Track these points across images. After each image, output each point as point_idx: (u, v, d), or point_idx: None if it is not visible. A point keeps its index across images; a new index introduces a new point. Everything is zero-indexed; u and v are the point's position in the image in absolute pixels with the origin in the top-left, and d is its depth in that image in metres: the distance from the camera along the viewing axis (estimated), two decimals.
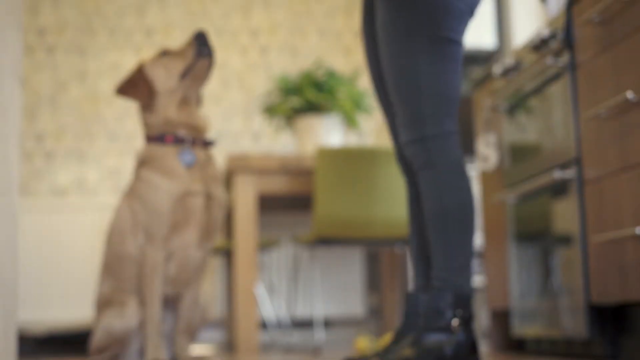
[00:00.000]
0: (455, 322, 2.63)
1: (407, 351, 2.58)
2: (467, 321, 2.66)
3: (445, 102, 2.68)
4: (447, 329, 2.63)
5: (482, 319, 6.13)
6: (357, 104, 5.40)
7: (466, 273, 2.69)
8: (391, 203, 4.70)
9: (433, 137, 2.68)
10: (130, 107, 6.74)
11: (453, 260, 2.68)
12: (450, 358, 2.60)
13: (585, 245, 3.23)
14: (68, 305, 6.40)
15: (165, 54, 3.21)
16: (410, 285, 5.69)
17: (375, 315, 6.44)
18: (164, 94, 3.12)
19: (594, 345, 3.29)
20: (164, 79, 3.14)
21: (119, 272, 3.11)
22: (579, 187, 3.27)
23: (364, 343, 4.32)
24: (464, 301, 2.67)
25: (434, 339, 2.62)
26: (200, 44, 3.15)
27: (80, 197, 6.62)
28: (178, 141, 3.10)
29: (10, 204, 3.03)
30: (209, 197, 3.10)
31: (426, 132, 2.67)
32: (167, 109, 3.11)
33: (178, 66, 3.15)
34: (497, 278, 4.18)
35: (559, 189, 3.43)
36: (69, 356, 4.66)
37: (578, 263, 3.26)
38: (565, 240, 3.37)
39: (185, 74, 3.14)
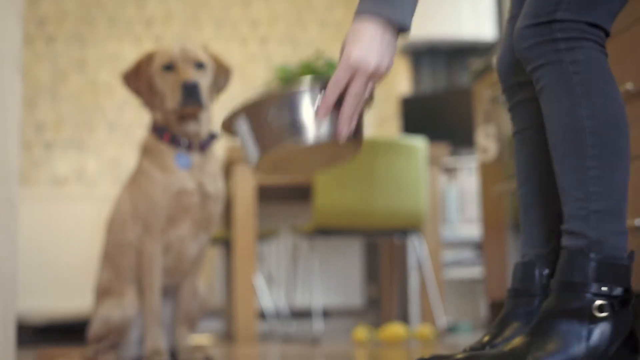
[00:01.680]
0: (598, 304, 1.77)
1: (513, 346, 1.78)
2: (623, 303, 1.81)
3: None
4: (584, 314, 1.77)
5: (481, 310, 6.14)
6: None
7: (618, 225, 1.83)
8: (391, 194, 4.70)
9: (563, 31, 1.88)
10: (130, 98, 6.74)
11: (596, 204, 1.81)
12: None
13: None
14: (67, 294, 6.41)
15: (169, 68, 3.12)
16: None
17: (374, 305, 6.45)
18: (165, 98, 3.11)
19: None
20: (164, 92, 3.12)
21: (118, 261, 3.11)
22: None
23: (363, 333, 4.33)
24: (614, 271, 1.81)
25: (562, 329, 1.77)
26: (187, 95, 3.02)
27: (79, 187, 6.63)
28: (175, 142, 3.08)
29: (10, 193, 3.03)
30: (205, 195, 3.10)
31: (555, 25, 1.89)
32: (168, 110, 3.09)
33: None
34: (496, 269, 4.18)
35: None
36: (68, 345, 4.66)
37: None
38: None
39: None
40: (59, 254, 6.48)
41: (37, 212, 6.47)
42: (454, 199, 6.11)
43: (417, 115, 6.38)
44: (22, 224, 6.43)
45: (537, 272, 2.02)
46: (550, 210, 2.07)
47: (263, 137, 1.76)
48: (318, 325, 5.06)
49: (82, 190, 6.60)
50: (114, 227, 3.15)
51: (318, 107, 1.75)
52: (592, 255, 1.77)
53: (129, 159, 6.67)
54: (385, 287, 5.83)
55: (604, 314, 1.75)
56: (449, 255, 6.00)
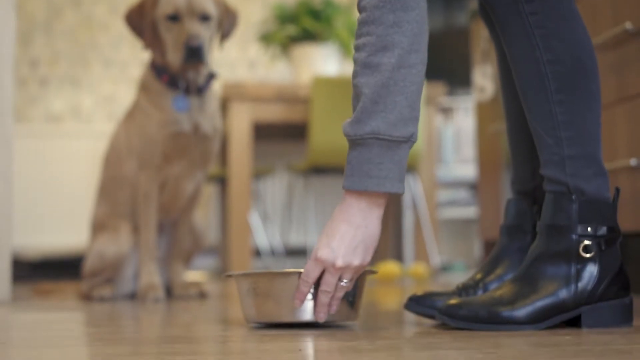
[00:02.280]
0: (584, 245, 1.79)
1: (503, 292, 1.81)
2: (609, 242, 1.80)
3: None
4: (571, 256, 1.80)
5: (476, 250, 6.17)
6: (354, 33, 5.36)
7: (594, 168, 1.82)
8: None
9: None
10: (126, 34, 6.69)
11: (568, 149, 1.82)
12: (571, 304, 1.79)
13: None
14: (62, 230, 6.43)
15: (173, 18, 3.04)
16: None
17: None
18: (166, 50, 3.07)
19: None
20: (167, 42, 3.08)
21: (114, 195, 3.12)
22: None
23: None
24: (598, 211, 1.81)
25: (550, 272, 1.80)
26: (190, 54, 2.99)
27: (74, 123, 6.61)
28: (173, 84, 3.06)
29: (5, 129, 3.02)
30: (202, 135, 3.09)
31: None
32: (168, 61, 3.06)
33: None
34: (491, 209, 4.19)
35: None
36: (63, 280, 4.69)
37: None
38: None
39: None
40: (54, 190, 6.49)
41: (32, 149, 6.46)
42: (450, 139, 6.11)
43: None
44: (18, 160, 6.42)
45: (529, 209, 2.05)
46: (534, 147, 2.07)
47: (262, 306, 1.88)
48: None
49: (77, 127, 6.59)
50: (110, 161, 3.15)
51: (295, 296, 1.82)
52: (575, 197, 1.78)
53: (124, 96, 6.64)
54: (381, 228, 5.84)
55: (590, 254, 1.78)
56: (444, 195, 6.01)
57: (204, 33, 3.00)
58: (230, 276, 1.97)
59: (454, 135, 6.11)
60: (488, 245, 4.35)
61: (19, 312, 2.56)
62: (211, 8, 3.05)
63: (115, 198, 3.12)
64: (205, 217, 6.48)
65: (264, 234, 6.43)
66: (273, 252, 6.46)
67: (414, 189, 5.04)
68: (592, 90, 1.82)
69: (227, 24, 3.17)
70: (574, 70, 1.81)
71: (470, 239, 6.33)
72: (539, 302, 1.77)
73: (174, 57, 2.99)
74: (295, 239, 6.38)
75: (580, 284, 1.78)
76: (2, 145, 3.02)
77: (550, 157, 1.82)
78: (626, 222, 2.92)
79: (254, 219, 6.07)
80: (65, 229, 6.44)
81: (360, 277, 1.93)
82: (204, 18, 3.02)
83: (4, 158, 3.02)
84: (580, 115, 1.80)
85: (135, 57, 6.67)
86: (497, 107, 4.08)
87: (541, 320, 1.78)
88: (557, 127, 1.80)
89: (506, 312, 1.77)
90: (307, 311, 1.85)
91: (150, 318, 2.30)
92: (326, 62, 5.26)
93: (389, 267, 4.37)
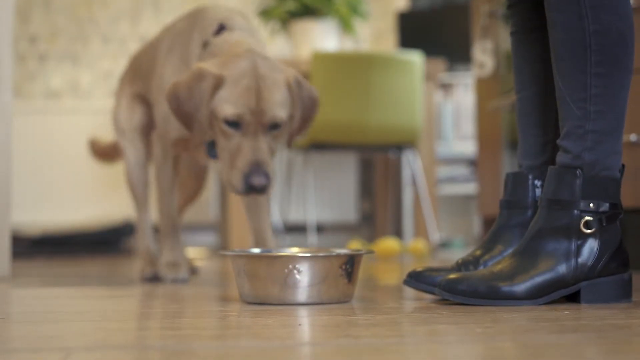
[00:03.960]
0: (585, 220, 1.80)
1: (502, 267, 1.82)
2: (610, 218, 1.85)
3: None
4: (572, 231, 1.80)
5: (475, 227, 6.18)
6: (354, 8, 5.34)
7: (613, 145, 1.84)
8: (386, 109, 4.69)
9: None
10: (124, 10, 6.67)
11: (594, 123, 1.81)
12: (571, 280, 1.80)
13: None
14: (62, 206, 6.43)
15: (234, 125, 2.29)
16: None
17: (368, 220, 6.48)
18: (221, 161, 2.44)
19: None
20: (221, 152, 2.38)
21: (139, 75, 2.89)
22: None
23: (357, 248, 4.36)
24: (602, 187, 1.84)
25: (550, 248, 1.80)
26: (248, 188, 2.30)
27: (73, 99, 6.60)
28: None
29: (4, 105, 3.02)
30: None
31: None
32: (225, 173, 2.43)
33: None
34: (490, 185, 4.19)
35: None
36: (63, 257, 4.69)
37: None
38: None
39: None
40: (53, 167, 6.49)
41: (31, 125, 6.45)
42: (450, 115, 6.10)
43: (414, 30, 6.33)
44: (17, 136, 6.42)
45: (529, 184, 2.03)
46: (547, 120, 2.05)
47: (256, 284, 1.89)
48: (312, 240, 5.09)
49: (76, 103, 6.58)
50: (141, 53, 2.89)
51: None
52: (579, 173, 1.79)
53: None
54: (379, 202, 5.86)
55: (591, 230, 1.79)
56: (443, 171, 6.02)
57: (272, 142, 2.32)
58: (224, 255, 1.97)
59: (454, 111, 6.10)
60: (487, 222, 4.34)
61: (19, 287, 2.57)
62: (284, 112, 2.31)
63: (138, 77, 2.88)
64: (205, 193, 6.48)
65: (275, 211, 6.43)
66: (272, 229, 6.46)
67: (413, 165, 5.04)
68: (629, 67, 1.81)
69: (306, 112, 2.41)
70: (617, 45, 1.79)
71: (469, 216, 6.34)
72: (538, 278, 1.77)
73: (230, 177, 2.31)
74: (295, 216, 6.38)
75: (580, 260, 1.79)
76: (1, 121, 3.01)
77: (574, 130, 1.80)
78: (625, 198, 2.91)
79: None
80: (64, 205, 6.44)
81: (356, 258, 1.93)
82: (274, 127, 2.30)
83: (2, 134, 3.02)
84: (614, 91, 1.79)
85: (133, 33, 6.65)
86: (497, 83, 4.07)
87: (540, 295, 1.78)
88: (589, 99, 1.79)
89: (505, 287, 1.77)
90: (296, 293, 1.85)
91: (150, 294, 2.31)
92: (326, 37, 5.24)
93: (389, 243, 4.37)
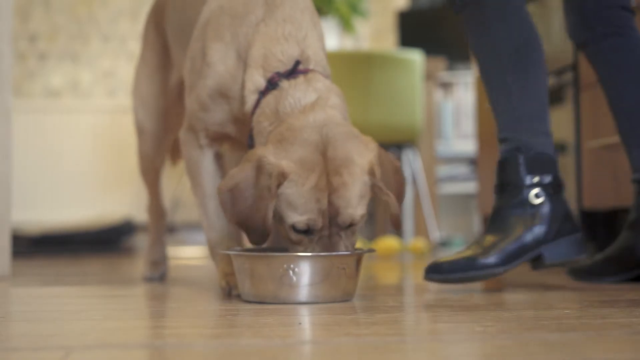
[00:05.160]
0: (534, 192, 2.13)
1: (478, 245, 2.15)
2: (555, 189, 2.15)
3: None
4: (525, 204, 2.14)
5: (475, 226, 6.17)
6: (354, 7, 5.34)
7: (536, 126, 2.19)
8: (386, 108, 4.69)
9: None
10: (124, 9, 6.66)
11: (514, 112, 2.20)
12: (533, 244, 2.13)
13: (579, 151, 3.24)
14: (62, 205, 6.43)
15: (303, 232, 1.91)
16: None
17: (369, 219, 6.48)
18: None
19: None
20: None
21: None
22: (575, 93, 3.26)
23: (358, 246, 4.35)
24: (542, 164, 2.15)
25: (511, 222, 2.14)
26: None
27: (73, 98, 6.59)
28: None
29: (4, 104, 3.02)
30: None
31: None
32: None
33: None
34: (490, 184, 4.19)
35: (554, 95, 3.41)
36: (63, 256, 4.69)
37: (571, 169, 3.27)
38: (560, 146, 3.37)
39: None
40: (53, 166, 6.49)
41: (31, 124, 6.45)
42: (450, 114, 6.10)
43: (414, 29, 6.32)
44: (16, 136, 6.42)
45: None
46: None
47: (256, 283, 1.88)
48: None
49: (76, 102, 6.57)
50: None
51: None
52: (521, 155, 2.14)
53: (123, 71, 6.63)
54: (379, 201, 5.85)
55: (540, 200, 2.12)
56: (443, 170, 6.01)
57: (351, 245, 1.96)
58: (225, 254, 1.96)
59: (454, 110, 6.10)
60: (487, 221, 4.34)
61: (19, 286, 2.57)
62: (362, 209, 1.91)
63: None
64: None
65: None
66: None
67: (413, 164, 5.04)
68: (536, 59, 2.23)
69: (395, 196, 2.02)
70: (523, 50, 2.22)
71: (469, 215, 6.33)
72: (507, 248, 2.11)
73: None
74: None
75: (537, 226, 2.12)
76: (1, 120, 3.01)
77: (505, 123, 2.21)
78: (625, 196, 2.92)
79: None
80: (65, 205, 6.44)
81: (358, 257, 1.92)
82: (351, 225, 1.92)
83: (3, 133, 3.02)
84: (530, 84, 2.19)
85: (133, 32, 6.64)
86: None
87: (510, 261, 2.11)
88: (511, 94, 2.21)
89: (481, 259, 2.10)
90: (296, 293, 1.84)
91: (150, 293, 2.31)
92: (326, 36, 5.23)
93: (389, 242, 4.37)
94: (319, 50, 2.08)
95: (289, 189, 1.85)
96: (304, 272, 1.83)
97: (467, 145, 6.04)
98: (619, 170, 2.94)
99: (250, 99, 2.02)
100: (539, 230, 2.11)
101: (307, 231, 1.88)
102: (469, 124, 6.06)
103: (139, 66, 2.71)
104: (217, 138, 2.21)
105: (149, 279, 2.68)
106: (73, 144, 6.53)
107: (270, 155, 1.86)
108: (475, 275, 2.10)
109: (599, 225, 3.23)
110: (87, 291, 2.39)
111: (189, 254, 4.73)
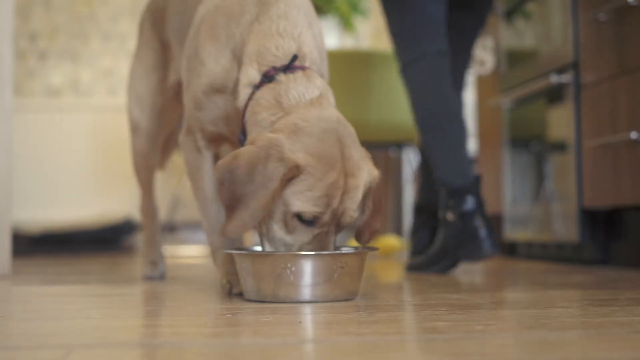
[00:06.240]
0: (448, 214, 2.76)
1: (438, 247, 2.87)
2: (459, 210, 2.75)
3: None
4: (442, 221, 2.81)
5: None
6: (354, 6, 5.34)
7: (450, 167, 2.82)
8: (387, 106, 4.69)
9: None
10: (124, 7, 6.66)
11: (437, 159, 2.85)
12: (451, 249, 2.77)
13: (579, 150, 3.24)
14: (62, 204, 6.43)
15: (306, 222, 1.89)
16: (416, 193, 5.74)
17: None
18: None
19: (584, 249, 3.32)
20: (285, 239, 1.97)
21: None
22: (576, 92, 3.26)
23: (355, 244, 4.36)
24: (454, 193, 2.75)
25: (438, 239, 2.84)
26: None
27: (74, 97, 6.59)
28: None
29: (4, 103, 3.02)
30: None
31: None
32: None
33: None
34: (491, 183, 4.19)
35: (555, 94, 3.41)
36: (63, 254, 4.69)
37: (572, 168, 3.27)
38: (560, 145, 3.37)
39: None
40: (53, 165, 6.48)
41: (32, 123, 6.45)
42: None
43: None
44: (16, 135, 6.42)
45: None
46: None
47: (261, 283, 1.86)
48: None
49: (76, 101, 6.57)
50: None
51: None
52: (440, 187, 2.82)
53: (124, 70, 6.62)
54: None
55: (452, 219, 2.75)
56: None
57: (335, 245, 2.00)
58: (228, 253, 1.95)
59: None
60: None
61: (19, 285, 2.57)
62: (358, 212, 1.98)
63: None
64: None
65: None
66: None
67: (413, 162, 5.04)
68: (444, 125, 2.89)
69: (374, 210, 2.08)
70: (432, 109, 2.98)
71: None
72: (431, 253, 2.86)
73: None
74: None
75: (450, 238, 2.76)
76: (1, 118, 3.01)
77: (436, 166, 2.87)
78: (626, 195, 2.92)
79: None
80: (65, 203, 6.44)
81: (360, 256, 1.91)
82: (346, 226, 1.96)
83: (3, 132, 3.02)
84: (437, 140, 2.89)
85: (133, 31, 6.63)
86: (498, 81, 4.07)
87: (435, 263, 2.83)
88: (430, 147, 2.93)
89: (414, 262, 2.96)
90: (301, 292, 1.83)
91: (150, 291, 2.30)
92: (326, 35, 5.24)
93: (389, 241, 4.37)
94: (314, 49, 2.06)
95: (304, 181, 1.82)
96: (302, 271, 1.82)
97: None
98: (620, 169, 2.94)
99: (243, 93, 2.00)
100: (451, 240, 2.80)
101: (310, 223, 1.86)
102: (469, 123, 6.05)
103: (135, 64, 2.71)
104: (214, 139, 2.19)
105: (148, 278, 2.68)
106: (73, 142, 6.53)
107: (285, 144, 1.82)
108: (415, 272, 2.93)
109: (600, 223, 3.23)
110: (87, 290, 2.39)
111: (189, 252, 4.73)
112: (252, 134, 1.96)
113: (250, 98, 1.98)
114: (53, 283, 2.63)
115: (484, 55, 4.16)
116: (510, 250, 4.11)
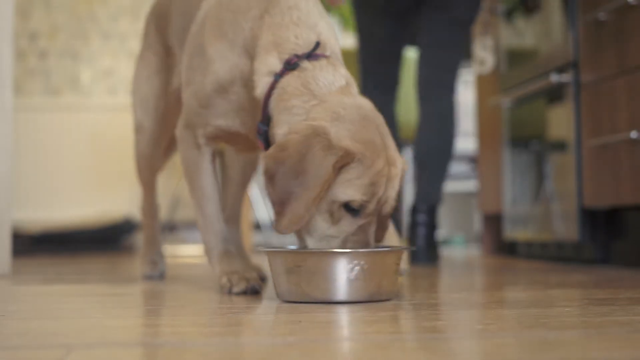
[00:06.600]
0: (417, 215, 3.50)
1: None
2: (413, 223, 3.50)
3: None
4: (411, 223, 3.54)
5: (475, 223, 6.17)
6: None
7: (420, 191, 3.58)
8: None
9: None
10: (124, 7, 6.66)
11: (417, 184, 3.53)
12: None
13: (579, 149, 3.24)
14: (62, 203, 6.43)
15: (352, 210, 1.84)
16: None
17: None
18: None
19: (584, 249, 3.32)
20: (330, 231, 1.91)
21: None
22: (575, 91, 3.26)
23: None
24: (414, 209, 3.53)
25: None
26: None
27: (74, 96, 6.59)
28: None
29: (5, 102, 3.02)
30: None
31: None
32: None
33: None
34: (491, 182, 4.19)
35: (554, 94, 3.41)
36: (63, 254, 4.69)
37: (572, 168, 3.27)
38: (560, 145, 3.37)
39: None
40: (53, 164, 6.48)
41: (31, 122, 6.45)
42: None
43: None
44: (17, 133, 6.42)
45: None
46: None
47: (294, 284, 1.79)
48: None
49: (76, 100, 6.57)
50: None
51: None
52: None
53: (124, 69, 6.62)
54: None
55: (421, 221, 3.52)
56: None
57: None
58: (263, 252, 1.86)
59: None
60: (488, 219, 4.35)
61: (19, 285, 2.57)
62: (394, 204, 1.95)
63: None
64: None
65: (264, 207, 6.43)
66: (273, 226, 6.45)
67: (413, 162, 5.03)
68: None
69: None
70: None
71: (470, 213, 6.33)
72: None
73: None
74: None
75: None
76: (1, 118, 3.01)
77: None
78: (626, 195, 2.92)
79: (254, 193, 6.06)
80: (65, 203, 6.44)
81: (396, 254, 1.85)
82: (382, 218, 1.96)
83: (3, 131, 3.02)
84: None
85: (133, 30, 6.64)
86: (498, 80, 4.07)
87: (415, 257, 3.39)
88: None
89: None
90: (341, 291, 1.77)
91: (150, 291, 2.30)
92: None
93: (390, 240, 4.37)
94: (331, 38, 2.03)
95: (354, 169, 1.79)
96: (369, 268, 1.77)
97: (467, 143, 6.03)
98: (620, 169, 2.94)
99: (263, 82, 1.95)
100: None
101: (356, 212, 1.82)
102: (469, 123, 6.06)
103: (139, 66, 2.69)
104: (216, 136, 2.15)
105: (148, 277, 2.68)
106: (73, 142, 6.53)
107: (331, 131, 1.79)
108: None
109: (599, 223, 3.23)
110: (87, 289, 2.39)
111: (189, 252, 4.73)
112: (281, 122, 1.90)
113: (272, 87, 1.93)
114: (53, 282, 2.63)
115: (483, 55, 4.16)
116: (510, 249, 4.11)
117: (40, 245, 5.21)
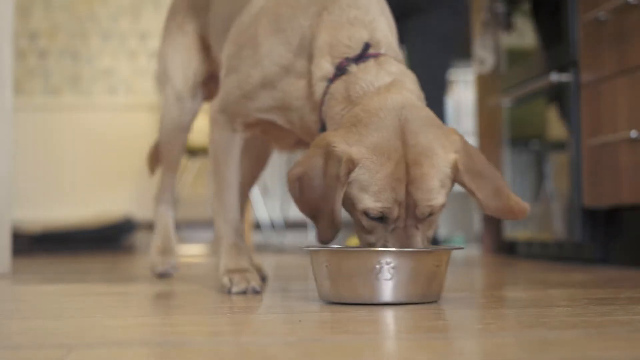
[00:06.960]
0: None
1: None
2: None
3: None
4: None
5: (475, 223, 6.17)
6: None
7: None
8: None
9: None
10: (124, 6, 6.66)
11: None
12: None
13: (579, 149, 3.24)
14: (62, 203, 6.43)
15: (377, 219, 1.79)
16: None
17: None
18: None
19: (584, 248, 3.32)
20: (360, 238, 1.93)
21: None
22: (575, 91, 3.26)
23: (356, 244, 4.36)
24: None
25: None
26: None
27: (74, 96, 6.59)
28: None
29: (5, 102, 3.02)
30: None
31: None
32: None
33: None
34: None
35: (555, 93, 3.41)
36: (63, 253, 4.69)
37: (572, 167, 3.27)
38: (560, 144, 3.37)
39: None
40: (53, 164, 6.48)
41: (32, 122, 6.45)
42: (450, 112, 6.10)
43: None
44: (17, 133, 6.42)
45: None
46: None
47: (339, 284, 1.76)
48: (312, 236, 5.09)
49: (76, 100, 6.57)
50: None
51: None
52: None
53: (124, 69, 6.62)
54: None
55: None
56: None
57: (427, 237, 1.85)
58: (306, 250, 1.84)
59: (454, 108, 6.10)
60: (488, 219, 4.34)
61: (19, 284, 2.57)
62: (442, 197, 1.79)
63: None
64: (203, 190, 6.48)
65: (264, 207, 6.43)
66: (273, 226, 6.46)
67: None
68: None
69: (491, 191, 1.86)
70: None
71: (469, 213, 6.33)
72: None
73: None
74: (295, 213, 6.39)
75: None
76: (1, 118, 3.01)
77: None
78: (625, 194, 2.92)
79: (254, 193, 6.07)
80: (65, 202, 6.44)
81: (443, 255, 1.80)
82: (430, 215, 1.80)
83: (3, 131, 3.02)
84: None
85: (133, 30, 6.64)
86: (498, 80, 4.07)
87: None
88: None
89: None
90: (385, 292, 1.74)
91: (150, 290, 2.31)
92: None
93: None
94: (388, 34, 1.98)
95: (362, 175, 1.75)
96: (401, 269, 1.73)
97: None
98: (619, 168, 2.94)
99: (319, 87, 1.94)
100: None
101: (382, 219, 1.77)
102: (469, 122, 6.06)
103: (172, 41, 2.55)
104: (254, 124, 2.13)
105: (162, 275, 2.47)
106: (73, 141, 6.53)
107: (340, 140, 1.77)
108: None
109: (599, 222, 3.24)
110: (87, 289, 2.39)
111: (190, 251, 4.73)
112: (329, 129, 1.90)
113: (325, 92, 1.92)
114: (53, 282, 2.63)
115: (483, 54, 4.16)
116: (510, 249, 4.11)
117: (40, 245, 5.21)
